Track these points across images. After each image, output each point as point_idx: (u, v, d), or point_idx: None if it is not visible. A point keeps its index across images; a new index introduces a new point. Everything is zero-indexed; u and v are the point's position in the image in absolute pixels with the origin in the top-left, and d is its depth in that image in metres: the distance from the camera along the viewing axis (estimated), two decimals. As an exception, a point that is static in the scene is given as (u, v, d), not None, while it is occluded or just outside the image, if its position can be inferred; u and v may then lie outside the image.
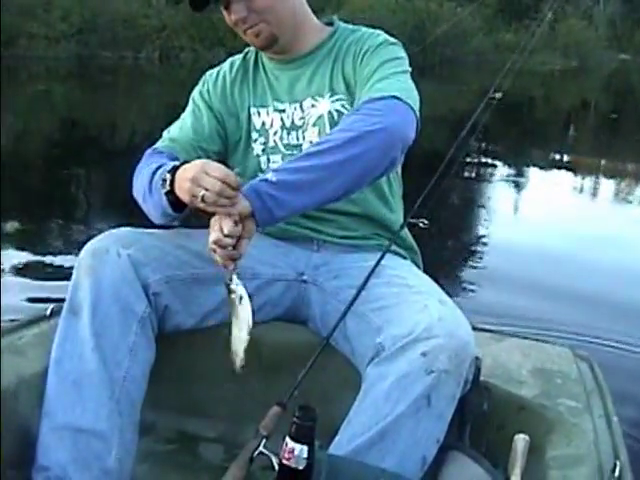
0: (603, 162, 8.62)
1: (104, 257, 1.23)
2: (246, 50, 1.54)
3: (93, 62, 20.28)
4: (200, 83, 1.54)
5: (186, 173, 1.14)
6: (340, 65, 1.41)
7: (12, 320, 1.56)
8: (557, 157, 8.48)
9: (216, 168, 1.11)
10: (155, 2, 22.00)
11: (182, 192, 1.16)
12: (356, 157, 1.17)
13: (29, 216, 4.56)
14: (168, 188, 1.19)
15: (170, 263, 1.28)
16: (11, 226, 4.21)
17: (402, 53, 1.40)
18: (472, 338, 1.16)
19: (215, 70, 1.54)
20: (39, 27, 21.74)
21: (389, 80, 1.30)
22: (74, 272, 1.25)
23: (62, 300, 1.30)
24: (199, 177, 1.10)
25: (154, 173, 1.28)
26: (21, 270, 3.39)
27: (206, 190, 1.09)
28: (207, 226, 1.17)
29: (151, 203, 1.29)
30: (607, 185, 7.29)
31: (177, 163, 1.22)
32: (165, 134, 1.47)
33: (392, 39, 1.42)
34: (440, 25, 21.00)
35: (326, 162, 1.17)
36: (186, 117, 1.49)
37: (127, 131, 8.99)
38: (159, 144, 1.44)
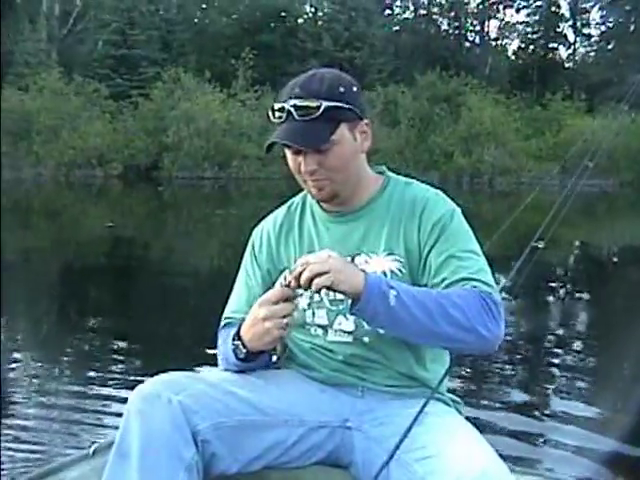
0: None
1: (155, 402, 1.25)
2: (290, 202, 1.56)
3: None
4: (248, 246, 1.57)
5: (248, 328, 1.34)
6: (399, 226, 1.42)
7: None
8: None
9: (266, 300, 1.30)
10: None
11: (259, 342, 1.33)
12: (457, 340, 1.28)
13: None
14: (244, 351, 1.36)
15: (219, 410, 1.30)
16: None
17: (463, 219, 1.44)
18: None
19: (259, 228, 1.57)
20: (252, 148, 22.97)
21: (484, 274, 1.35)
22: (124, 415, 1.26)
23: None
24: (266, 313, 1.28)
25: (226, 350, 1.42)
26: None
27: (283, 317, 1.28)
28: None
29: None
30: None
31: (235, 330, 1.39)
32: (227, 310, 1.55)
33: (451, 204, 1.44)
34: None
35: (433, 325, 1.26)
36: (241, 291, 1.55)
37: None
38: (224, 323, 1.53)
